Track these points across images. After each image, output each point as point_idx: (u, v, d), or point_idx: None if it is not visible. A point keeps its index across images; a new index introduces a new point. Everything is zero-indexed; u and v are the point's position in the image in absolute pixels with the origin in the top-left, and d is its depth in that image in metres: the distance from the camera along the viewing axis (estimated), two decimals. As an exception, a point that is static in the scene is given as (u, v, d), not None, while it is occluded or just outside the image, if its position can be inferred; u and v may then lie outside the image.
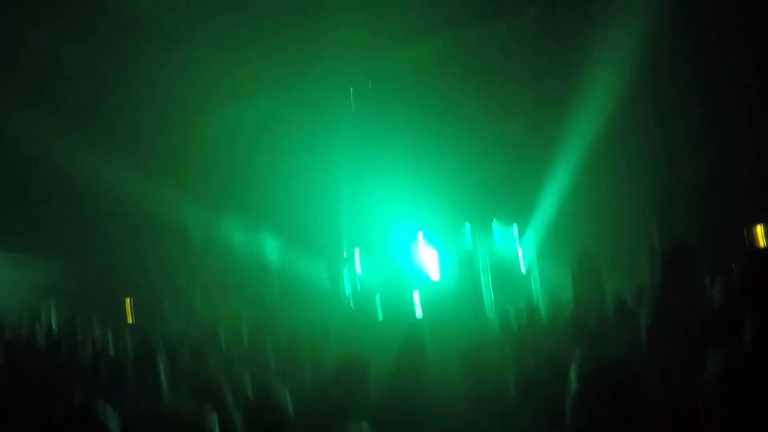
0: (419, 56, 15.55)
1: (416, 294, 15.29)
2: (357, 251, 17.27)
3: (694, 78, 11.23)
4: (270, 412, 4.22)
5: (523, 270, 15.62)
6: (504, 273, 16.13)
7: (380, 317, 14.03)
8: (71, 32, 12.86)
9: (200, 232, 16.82)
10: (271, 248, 16.63)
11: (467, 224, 16.69)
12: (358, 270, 16.73)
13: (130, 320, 14.26)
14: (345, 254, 17.17)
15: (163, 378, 4.38)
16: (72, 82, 13.73)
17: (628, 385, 2.46)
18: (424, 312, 14.41)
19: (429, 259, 16.83)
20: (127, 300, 14.75)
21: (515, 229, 16.43)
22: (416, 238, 17.15)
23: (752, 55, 10.36)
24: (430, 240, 16.97)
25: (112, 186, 14.31)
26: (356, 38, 14.26)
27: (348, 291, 15.79)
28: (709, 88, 11.01)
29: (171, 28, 13.76)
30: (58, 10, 12.47)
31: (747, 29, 10.32)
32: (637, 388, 2.49)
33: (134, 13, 12.96)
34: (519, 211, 16.08)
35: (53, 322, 11.84)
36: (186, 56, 14.46)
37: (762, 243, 10.09)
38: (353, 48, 14.80)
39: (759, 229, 9.86)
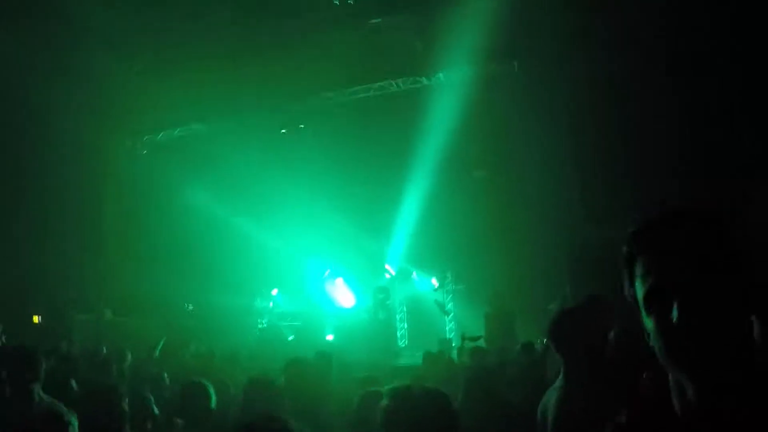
0: (351, 103, 15.82)
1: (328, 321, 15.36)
2: (275, 290, 17.28)
3: (614, 138, 11.70)
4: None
5: (443, 311, 15.87)
6: (419, 312, 16.40)
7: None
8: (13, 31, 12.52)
9: (116, 251, 16.45)
10: (188, 277, 16.39)
11: (386, 271, 16.97)
12: (272, 305, 16.70)
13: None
14: (262, 292, 17.11)
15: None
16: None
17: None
18: (336, 338, 14.46)
19: (345, 295, 17.01)
20: (35, 317, 14.24)
21: (434, 279, 16.76)
22: (334, 279, 17.32)
23: (668, 119, 10.85)
24: (349, 281, 17.15)
25: (34, 194, 13.93)
26: (296, 80, 14.42)
27: (263, 322, 15.68)
28: (628, 147, 11.48)
29: (100, 49, 13.59)
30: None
31: (663, 96, 10.85)
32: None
33: (80, 27, 12.75)
34: (438, 259, 16.40)
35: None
36: (126, 76, 14.36)
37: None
38: (290, 87, 14.94)
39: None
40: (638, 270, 1.38)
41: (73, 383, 5.95)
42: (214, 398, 4.51)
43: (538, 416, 3.30)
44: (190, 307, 15.73)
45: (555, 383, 3.27)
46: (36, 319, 13.97)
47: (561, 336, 3.21)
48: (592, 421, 2.05)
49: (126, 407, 4.10)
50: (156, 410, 4.44)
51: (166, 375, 6.05)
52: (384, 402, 2.48)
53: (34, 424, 3.80)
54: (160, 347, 9.82)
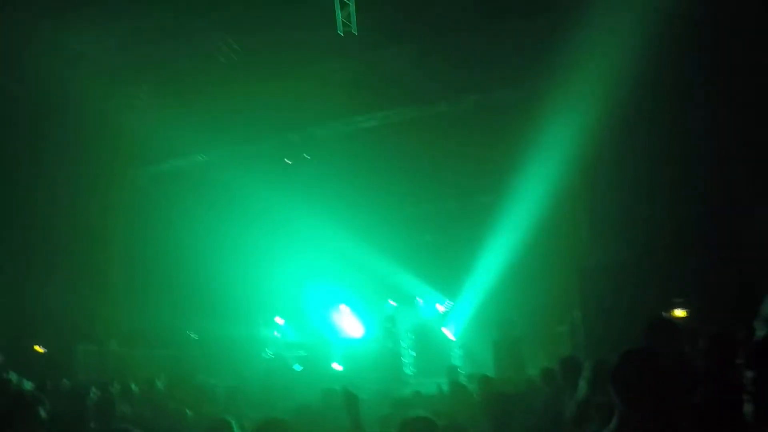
0: (356, 132, 15.77)
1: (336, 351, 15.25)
2: (279, 318, 17.22)
3: (616, 166, 11.69)
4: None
5: (451, 337, 15.78)
6: (426, 340, 16.29)
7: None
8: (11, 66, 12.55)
9: (121, 282, 16.37)
10: (192, 307, 16.30)
11: (392, 298, 16.94)
12: (277, 334, 16.61)
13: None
14: (267, 321, 17.05)
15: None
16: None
17: None
18: (344, 367, 14.35)
19: (351, 325, 16.93)
20: (38, 347, 14.11)
21: (439, 305, 16.72)
22: (340, 308, 17.26)
23: (668, 152, 10.87)
24: (355, 309, 17.08)
25: (36, 224, 13.88)
26: (297, 107, 14.40)
27: (269, 352, 15.56)
28: (630, 175, 11.47)
29: (105, 77, 13.62)
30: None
31: (663, 129, 10.87)
32: None
33: (78, 59, 12.78)
34: (446, 287, 16.36)
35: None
36: (127, 107, 14.38)
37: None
38: (292, 117, 14.93)
39: (680, 313, 10.15)
40: None
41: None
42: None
43: None
44: (195, 337, 15.61)
45: (606, 429, 3.17)
46: (39, 349, 13.85)
47: (627, 383, 3.08)
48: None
49: None
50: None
51: (188, 411, 5.93)
52: None
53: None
54: (163, 379, 9.72)
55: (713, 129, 10.18)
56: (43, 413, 4.12)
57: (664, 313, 9.21)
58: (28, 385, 8.05)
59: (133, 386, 8.77)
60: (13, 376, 8.79)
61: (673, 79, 10.55)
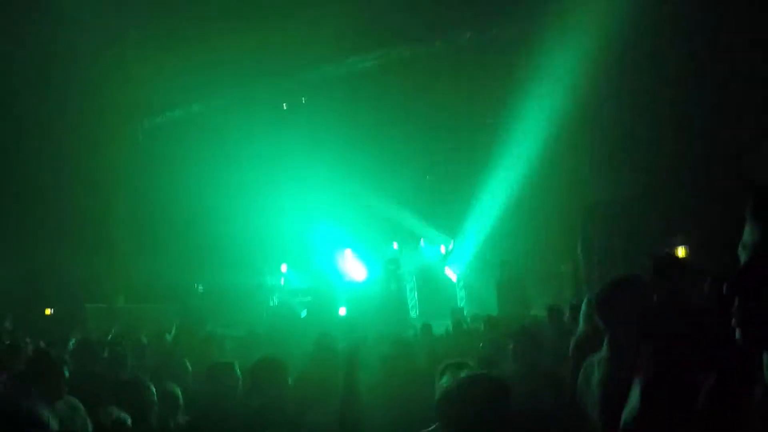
0: (353, 74, 15.61)
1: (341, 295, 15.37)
2: (284, 266, 17.35)
3: (618, 103, 11.60)
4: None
5: (453, 279, 15.89)
6: (429, 282, 16.43)
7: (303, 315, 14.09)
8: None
9: (126, 239, 16.48)
10: (198, 259, 16.42)
11: (395, 240, 17.00)
12: (282, 282, 16.75)
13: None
14: (272, 268, 17.17)
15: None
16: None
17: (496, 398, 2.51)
18: (348, 311, 14.48)
19: (355, 268, 17.04)
20: (47, 310, 14.30)
21: (443, 246, 16.78)
22: (344, 252, 17.34)
23: (669, 88, 10.74)
24: (358, 253, 17.16)
25: (39, 189, 13.90)
26: (292, 52, 14.24)
27: (275, 300, 15.71)
28: (631, 113, 11.39)
29: (99, 31, 13.46)
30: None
31: (669, 59, 10.73)
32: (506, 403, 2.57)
33: (63, 15, 12.60)
34: (448, 228, 16.39)
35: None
36: (115, 61, 14.22)
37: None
38: (288, 61, 14.77)
39: (681, 251, 10.18)
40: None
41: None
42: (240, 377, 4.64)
43: (579, 387, 3.28)
44: (201, 288, 15.76)
45: (597, 355, 3.23)
46: (48, 311, 14.03)
47: (611, 308, 3.15)
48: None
49: (154, 398, 4.18)
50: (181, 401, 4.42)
51: (187, 362, 6.03)
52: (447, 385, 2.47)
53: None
54: (174, 331, 9.83)
55: (716, 66, 10.04)
56: (66, 373, 4.23)
57: (668, 250, 9.24)
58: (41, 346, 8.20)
59: (143, 339, 8.92)
60: (26, 341, 8.97)
61: (675, 15, 10.37)
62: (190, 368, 5.86)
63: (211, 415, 4.39)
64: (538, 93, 13.18)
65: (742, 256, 1.30)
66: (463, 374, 2.53)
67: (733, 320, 1.28)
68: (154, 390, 4.22)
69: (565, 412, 3.70)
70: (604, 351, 3.16)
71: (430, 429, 3.04)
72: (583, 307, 4.57)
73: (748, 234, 1.29)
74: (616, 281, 3.23)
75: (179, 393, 4.49)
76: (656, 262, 4.44)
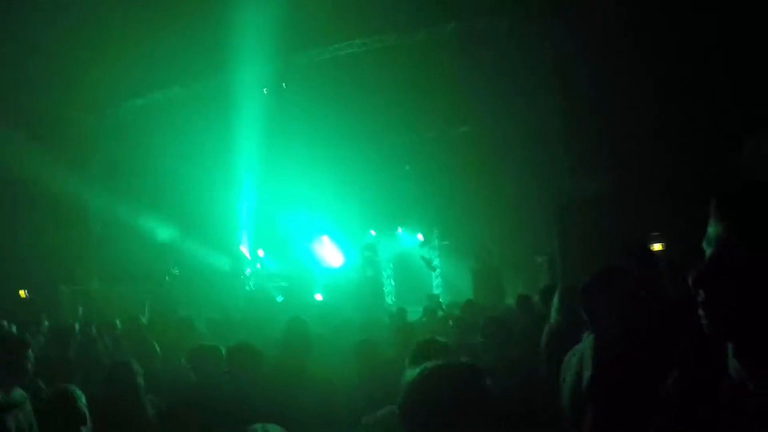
0: (333, 62, 15.52)
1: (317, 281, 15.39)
2: (261, 251, 17.33)
3: (593, 95, 11.65)
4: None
5: (429, 267, 15.96)
6: (406, 269, 16.52)
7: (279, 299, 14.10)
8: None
9: (99, 222, 16.35)
10: (173, 242, 16.35)
11: (372, 228, 17.03)
12: (259, 266, 16.73)
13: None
14: (248, 253, 17.14)
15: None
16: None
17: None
18: (324, 297, 14.50)
19: (332, 254, 17.07)
20: (21, 292, 14.15)
21: (420, 234, 16.84)
22: (321, 238, 17.36)
23: (649, 75, 10.80)
24: (335, 239, 17.19)
25: (11, 172, 13.70)
26: (272, 37, 14.12)
27: (251, 285, 15.68)
28: (608, 105, 11.44)
29: (77, 12, 13.28)
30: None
31: (646, 49, 10.77)
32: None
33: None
34: (425, 218, 16.45)
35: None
36: (95, 43, 14.02)
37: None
38: (268, 47, 14.65)
39: (657, 247, 10.26)
40: None
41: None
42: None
43: (564, 373, 3.27)
44: (176, 272, 15.69)
45: (576, 347, 3.22)
46: (22, 293, 13.89)
47: (598, 298, 3.11)
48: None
49: (141, 382, 4.23)
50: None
51: (156, 345, 6.00)
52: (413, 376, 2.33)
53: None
54: (146, 314, 9.80)
55: (697, 58, 10.09)
56: (30, 356, 4.18)
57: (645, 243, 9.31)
58: (13, 329, 8.13)
59: (117, 322, 8.87)
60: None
61: (656, 7, 10.42)
62: (159, 351, 5.85)
63: (191, 400, 4.38)
64: (517, 87, 13.24)
65: (707, 251, 1.34)
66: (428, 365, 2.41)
67: (700, 312, 1.32)
68: (141, 371, 4.27)
69: (537, 402, 3.71)
70: (584, 344, 3.14)
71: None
72: (556, 298, 4.58)
73: (711, 229, 1.33)
74: (605, 271, 3.20)
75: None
76: (641, 252, 4.46)
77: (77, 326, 8.53)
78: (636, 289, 3.19)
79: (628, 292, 3.10)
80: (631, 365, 2.78)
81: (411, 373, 2.22)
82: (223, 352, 4.79)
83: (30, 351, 4.23)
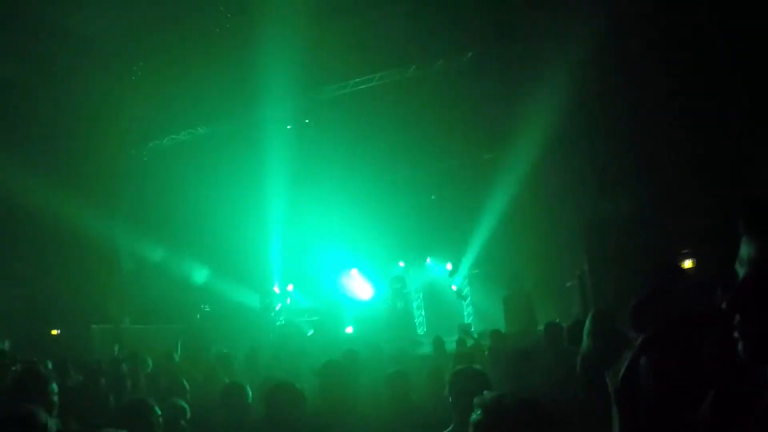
0: (357, 97, 15.62)
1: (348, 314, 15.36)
2: (291, 285, 17.35)
3: (622, 117, 11.60)
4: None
5: (460, 297, 15.88)
6: (436, 299, 16.42)
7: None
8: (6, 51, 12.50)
9: (129, 261, 16.52)
10: (203, 279, 16.45)
11: (401, 259, 17.01)
12: (289, 301, 16.75)
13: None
14: (278, 288, 17.17)
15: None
16: (2, 103, 13.36)
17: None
18: (355, 329, 14.46)
19: (362, 287, 17.04)
20: (54, 331, 14.31)
21: (449, 264, 16.77)
22: (350, 271, 17.36)
23: (676, 96, 10.74)
24: (364, 272, 17.17)
25: (42, 213, 13.92)
26: (294, 75, 14.28)
27: (281, 320, 15.68)
28: (636, 126, 11.38)
29: (109, 55, 13.60)
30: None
31: (673, 68, 10.73)
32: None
33: (72, 39, 12.71)
34: (453, 247, 16.39)
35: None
36: (125, 84, 14.33)
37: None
38: (291, 84, 14.80)
39: (689, 264, 10.12)
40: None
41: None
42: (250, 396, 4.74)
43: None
44: (207, 309, 15.76)
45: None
46: (54, 332, 14.04)
47: (649, 317, 3.08)
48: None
49: (159, 420, 4.16)
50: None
51: (185, 381, 6.01)
52: (477, 416, 2.35)
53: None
54: (179, 351, 9.82)
55: (717, 76, 10.03)
56: (54, 387, 4.20)
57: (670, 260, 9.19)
58: (49, 365, 8.19)
59: (149, 360, 8.90)
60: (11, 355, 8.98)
61: (676, 25, 10.40)
62: (188, 387, 5.85)
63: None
64: (540, 109, 13.20)
65: (740, 272, 1.32)
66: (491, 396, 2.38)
67: (735, 334, 1.30)
68: (159, 411, 4.22)
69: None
70: (626, 366, 3.08)
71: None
72: (588, 322, 4.52)
73: (744, 249, 1.31)
74: (656, 291, 3.18)
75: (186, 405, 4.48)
76: (657, 266, 4.40)
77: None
78: (687, 307, 3.17)
79: (678, 311, 3.07)
80: (663, 375, 2.73)
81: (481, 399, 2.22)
82: (249, 391, 4.78)
83: (54, 385, 4.25)
